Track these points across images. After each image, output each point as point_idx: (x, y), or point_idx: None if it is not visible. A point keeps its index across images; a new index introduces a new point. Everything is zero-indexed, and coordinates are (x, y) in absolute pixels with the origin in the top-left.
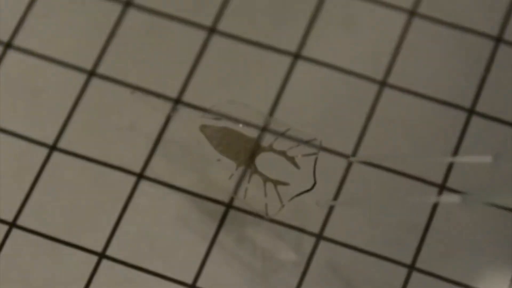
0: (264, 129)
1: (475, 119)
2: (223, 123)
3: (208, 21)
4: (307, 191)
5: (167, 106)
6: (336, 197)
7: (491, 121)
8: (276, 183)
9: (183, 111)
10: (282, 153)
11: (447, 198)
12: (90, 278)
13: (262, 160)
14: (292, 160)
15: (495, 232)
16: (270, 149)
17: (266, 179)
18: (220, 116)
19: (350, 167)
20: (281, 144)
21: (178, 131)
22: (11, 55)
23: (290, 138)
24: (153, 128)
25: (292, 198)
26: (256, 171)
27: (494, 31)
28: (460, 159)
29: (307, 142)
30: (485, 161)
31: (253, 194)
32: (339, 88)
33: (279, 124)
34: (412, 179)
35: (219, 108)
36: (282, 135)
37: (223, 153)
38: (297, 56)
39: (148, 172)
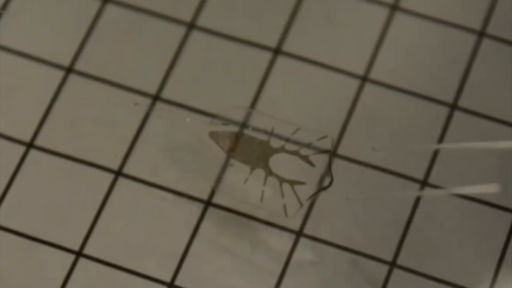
0: (271, 133)
1: (457, 114)
2: (231, 128)
3: (187, 17)
4: (325, 188)
5: (146, 104)
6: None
7: (474, 116)
8: (292, 183)
9: (165, 110)
10: (295, 153)
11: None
12: (67, 277)
13: (276, 162)
14: (306, 159)
15: (477, 229)
16: (282, 149)
17: (282, 180)
18: (227, 121)
19: (331, 163)
20: (292, 145)
21: (164, 131)
22: None
23: (300, 137)
24: (132, 125)
25: (310, 197)
26: (271, 173)
27: (477, 25)
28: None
29: (319, 140)
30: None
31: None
32: (320, 83)
33: (287, 124)
34: (392, 175)
35: (226, 113)
36: (293, 135)
37: (236, 158)
38: (277, 51)
39: (126, 170)
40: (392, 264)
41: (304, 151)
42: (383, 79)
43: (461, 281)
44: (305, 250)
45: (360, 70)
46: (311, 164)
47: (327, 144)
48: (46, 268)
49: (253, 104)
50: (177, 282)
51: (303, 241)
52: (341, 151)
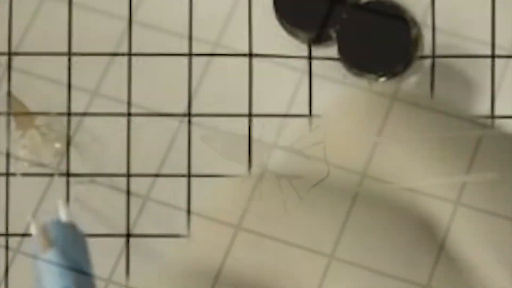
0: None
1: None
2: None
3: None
4: (323, 179)
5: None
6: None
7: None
8: (289, 178)
9: None
10: (288, 148)
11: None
12: None
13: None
14: (300, 152)
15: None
16: (274, 145)
17: (278, 176)
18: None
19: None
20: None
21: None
22: None
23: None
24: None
25: (310, 189)
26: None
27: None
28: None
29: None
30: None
31: None
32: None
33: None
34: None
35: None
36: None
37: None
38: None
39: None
40: (330, 257)
41: (296, 145)
42: None
43: (401, 273)
44: (242, 243)
45: None
46: (306, 157)
47: (319, 135)
48: None
49: (189, 95)
50: None
51: (241, 234)
52: (282, 142)
